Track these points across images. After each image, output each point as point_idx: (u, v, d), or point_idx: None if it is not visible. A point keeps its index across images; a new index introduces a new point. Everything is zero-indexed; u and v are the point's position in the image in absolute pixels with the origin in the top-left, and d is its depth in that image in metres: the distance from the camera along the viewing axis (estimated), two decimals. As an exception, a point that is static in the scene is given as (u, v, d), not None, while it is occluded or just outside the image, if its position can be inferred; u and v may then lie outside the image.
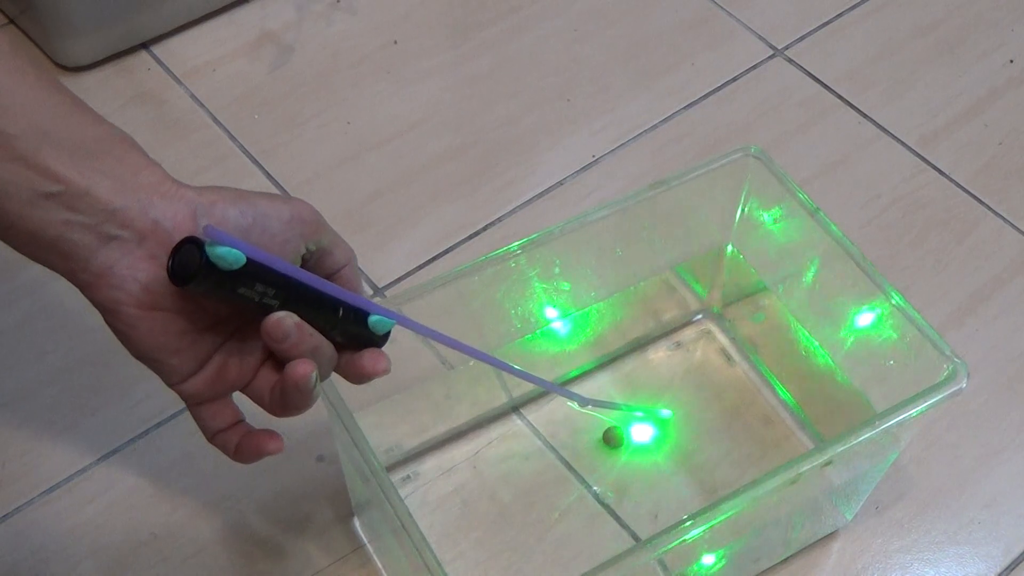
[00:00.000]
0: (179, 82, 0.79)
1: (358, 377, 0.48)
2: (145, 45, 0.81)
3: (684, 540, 0.47)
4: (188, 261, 0.40)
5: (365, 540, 0.59)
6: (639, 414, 0.63)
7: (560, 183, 0.75)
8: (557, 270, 0.59)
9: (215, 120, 0.77)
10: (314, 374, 0.44)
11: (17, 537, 0.59)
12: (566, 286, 0.61)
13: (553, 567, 0.58)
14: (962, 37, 0.84)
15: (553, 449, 0.62)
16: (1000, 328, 0.69)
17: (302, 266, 0.45)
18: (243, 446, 0.46)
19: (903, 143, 0.78)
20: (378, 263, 0.70)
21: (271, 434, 0.47)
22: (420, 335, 0.49)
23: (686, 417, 0.63)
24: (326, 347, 0.45)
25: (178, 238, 0.41)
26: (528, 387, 0.63)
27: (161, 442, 0.62)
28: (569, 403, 0.62)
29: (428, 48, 0.82)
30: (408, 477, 0.61)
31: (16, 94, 0.40)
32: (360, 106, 0.78)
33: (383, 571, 0.58)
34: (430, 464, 0.61)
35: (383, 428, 0.60)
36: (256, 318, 0.43)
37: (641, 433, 0.62)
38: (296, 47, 0.82)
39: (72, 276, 0.42)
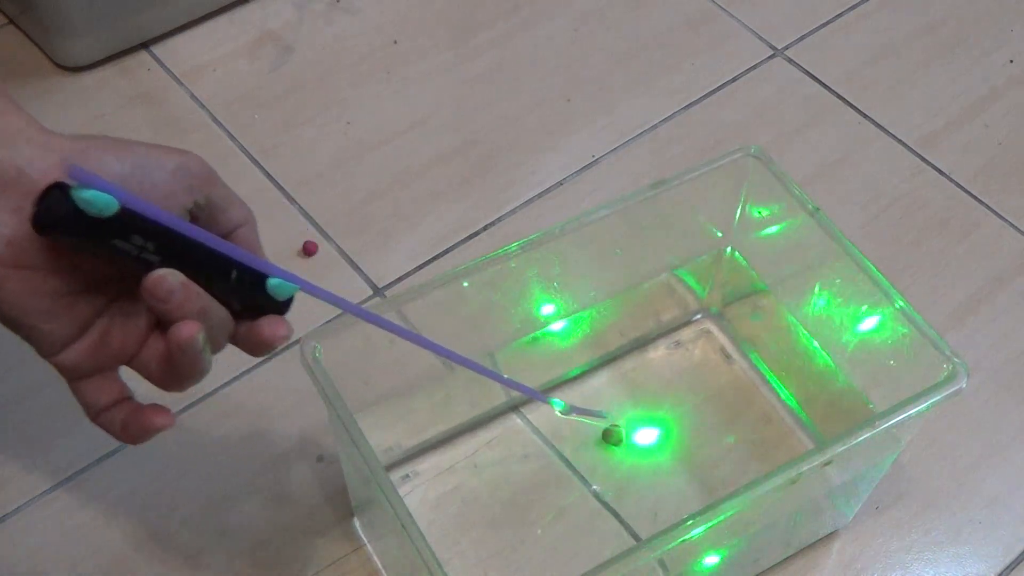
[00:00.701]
0: (179, 82, 0.79)
1: (257, 346, 0.44)
2: (145, 45, 0.81)
3: (684, 540, 0.47)
4: (53, 207, 0.37)
5: (365, 540, 0.59)
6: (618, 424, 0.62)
7: (560, 183, 0.75)
8: (557, 270, 0.59)
9: (215, 120, 0.77)
10: (201, 335, 0.40)
11: (17, 537, 0.59)
12: (566, 286, 0.61)
13: (553, 566, 0.58)
14: (962, 37, 0.84)
15: (553, 448, 0.62)
16: (1000, 328, 0.69)
17: (191, 223, 0.41)
18: (130, 423, 0.43)
19: (903, 143, 0.78)
20: (378, 263, 0.70)
21: (159, 409, 0.43)
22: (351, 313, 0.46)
23: (686, 417, 0.63)
24: (218, 311, 0.41)
25: None
26: (528, 385, 0.63)
27: (162, 442, 0.62)
28: (558, 412, 0.62)
29: (428, 48, 0.82)
30: (407, 476, 0.61)
31: None
32: (360, 106, 0.78)
33: (383, 571, 0.58)
34: (430, 463, 0.61)
35: (383, 428, 0.60)
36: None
37: (644, 436, 0.62)
38: (296, 47, 0.82)
39: None
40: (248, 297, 0.43)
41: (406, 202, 0.73)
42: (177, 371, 0.41)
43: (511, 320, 0.61)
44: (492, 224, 0.72)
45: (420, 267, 0.70)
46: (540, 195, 0.74)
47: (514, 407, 0.63)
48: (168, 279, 0.39)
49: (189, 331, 0.40)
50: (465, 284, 0.55)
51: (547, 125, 0.78)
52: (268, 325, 0.43)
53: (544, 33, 0.83)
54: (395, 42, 0.82)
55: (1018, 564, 0.60)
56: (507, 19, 0.84)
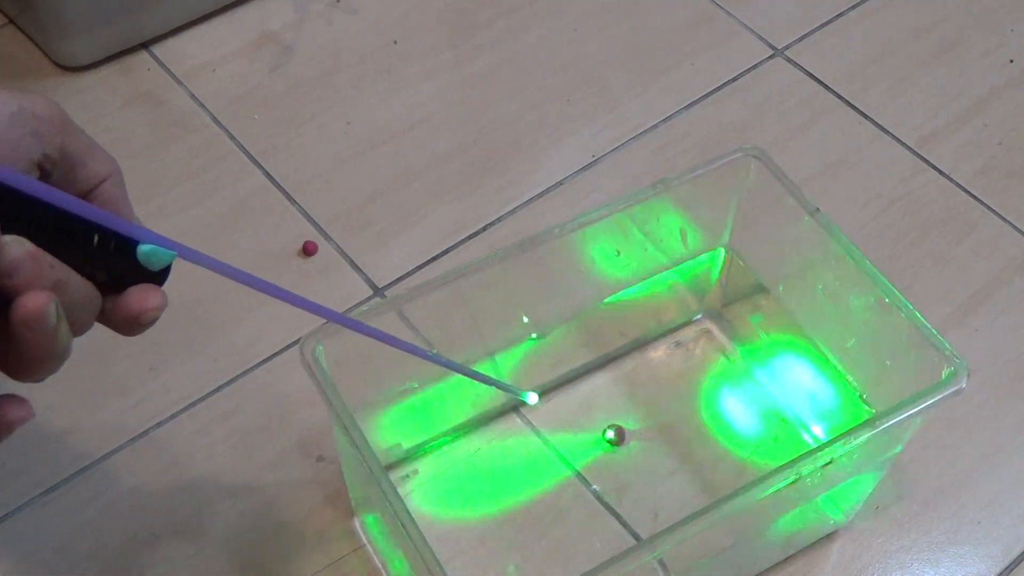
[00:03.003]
0: (179, 82, 0.79)
1: (127, 322, 0.38)
2: (145, 45, 0.81)
3: (684, 540, 0.47)
4: None
5: (365, 540, 0.59)
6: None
7: (560, 183, 0.75)
8: (557, 270, 0.59)
9: (215, 120, 0.77)
10: (52, 309, 0.34)
11: (17, 537, 0.59)
12: (566, 286, 0.61)
13: (553, 567, 0.58)
14: (962, 37, 0.84)
15: (553, 448, 0.62)
16: (1000, 328, 0.69)
17: (41, 179, 0.36)
18: None
19: (903, 143, 0.78)
20: (378, 263, 0.70)
21: (12, 401, 0.37)
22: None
23: (686, 417, 0.63)
24: (77, 285, 0.35)
25: None
26: (528, 386, 0.63)
27: (161, 442, 0.62)
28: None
29: (428, 48, 0.82)
30: (408, 476, 0.61)
31: None
32: (360, 106, 0.78)
33: (383, 571, 0.58)
34: (430, 464, 0.61)
35: (383, 428, 0.60)
36: None
37: (644, 436, 0.62)
38: (296, 47, 0.82)
39: None
40: (114, 267, 0.37)
41: (406, 202, 0.73)
42: (25, 355, 0.35)
43: (511, 320, 0.61)
44: (492, 224, 0.72)
45: (420, 267, 0.70)
46: (540, 195, 0.74)
47: (515, 407, 0.63)
48: (11, 249, 0.33)
49: (35, 303, 0.33)
50: (465, 284, 0.55)
51: (547, 125, 0.78)
52: (136, 296, 0.37)
53: (544, 33, 0.83)
54: (395, 42, 0.82)
55: (1018, 564, 0.60)
56: (507, 19, 0.84)
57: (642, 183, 0.59)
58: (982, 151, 0.78)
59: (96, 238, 0.35)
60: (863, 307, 0.58)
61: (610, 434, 0.62)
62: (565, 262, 0.59)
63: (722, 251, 0.65)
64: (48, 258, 0.34)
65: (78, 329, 0.36)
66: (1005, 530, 0.61)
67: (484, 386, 0.62)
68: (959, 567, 0.60)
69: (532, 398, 0.61)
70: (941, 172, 0.76)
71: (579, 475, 0.61)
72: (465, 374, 0.53)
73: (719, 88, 0.81)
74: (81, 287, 0.36)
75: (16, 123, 0.35)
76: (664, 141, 0.77)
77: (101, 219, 0.35)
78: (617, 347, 0.65)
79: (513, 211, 0.73)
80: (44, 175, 0.36)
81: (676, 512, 0.60)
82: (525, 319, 0.61)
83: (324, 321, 0.52)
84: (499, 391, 0.63)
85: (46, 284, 0.34)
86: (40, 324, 0.34)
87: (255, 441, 0.62)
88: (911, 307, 0.55)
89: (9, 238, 0.33)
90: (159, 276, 0.38)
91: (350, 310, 0.67)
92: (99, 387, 0.64)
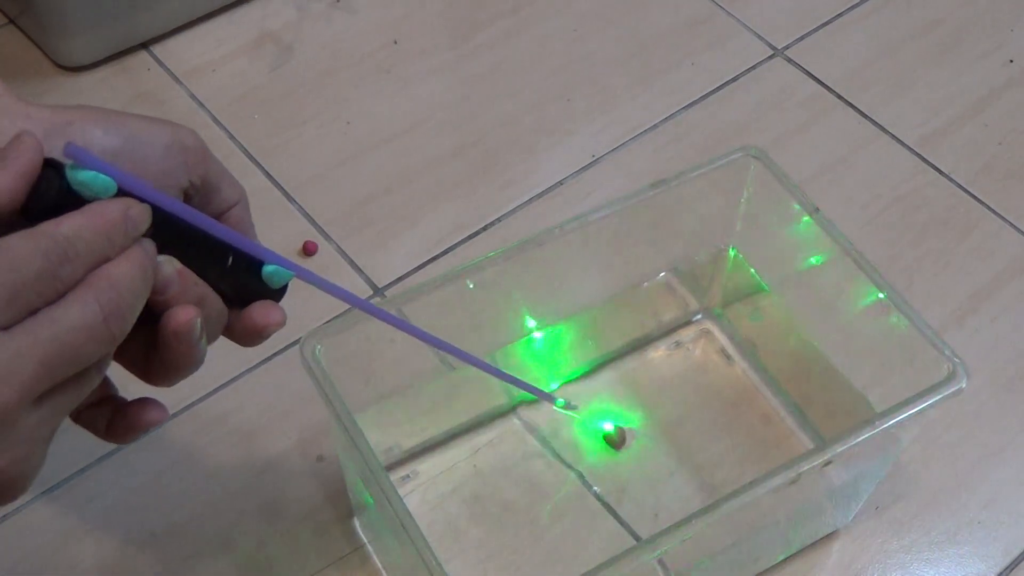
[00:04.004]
0: (179, 82, 0.79)
1: (249, 334, 0.41)
2: (145, 45, 0.81)
3: (684, 539, 0.47)
4: (44, 189, 0.33)
5: (365, 540, 0.59)
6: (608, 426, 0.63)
7: (560, 183, 0.75)
8: (557, 270, 0.59)
9: (215, 120, 0.77)
10: (198, 321, 0.37)
11: (17, 537, 0.59)
12: (566, 286, 0.61)
13: (553, 567, 0.58)
14: (962, 37, 0.84)
15: (553, 449, 0.62)
16: (1000, 328, 0.69)
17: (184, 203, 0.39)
18: (117, 423, 0.39)
19: (903, 143, 0.78)
20: (378, 263, 0.70)
21: (148, 404, 0.40)
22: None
23: (686, 417, 0.63)
24: (214, 300, 0.39)
25: None
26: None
27: (162, 442, 0.62)
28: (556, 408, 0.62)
29: (428, 48, 0.82)
30: (408, 476, 0.61)
31: None
32: (360, 106, 0.78)
33: (383, 571, 0.58)
34: (430, 464, 0.61)
35: (383, 428, 0.60)
36: None
37: (644, 436, 0.62)
38: (296, 47, 0.82)
39: None
40: (242, 284, 0.40)
41: (406, 202, 0.73)
42: (169, 362, 0.38)
43: (511, 320, 0.61)
44: (492, 224, 0.72)
45: (420, 267, 0.70)
46: (540, 195, 0.74)
47: (514, 408, 0.63)
48: (164, 268, 0.36)
49: (187, 316, 0.37)
50: (465, 284, 0.55)
51: (547, 125, 0.78)
52: (260, 311, 0.41)
53: (544, 33, 0.83)
54: (395, 42, 0.82)
55: (1018, 564, 0.60)
56: (507, 19, 0.84)
57: (642, 183, 0.59)
58: (982, 151, 0.78)
59: (230, 258, 0.39)
60: (863, 307, 0.58)
61: (610, 434, 0.62)
62: (565, 262, 0.59)
63: (722, 251, 0.65)
64: (192, 276, 0.38)
65: (210, 339, 0.40)
66: (1005, 530, 0.61)
67: (483, 387, 0.63)
68: (959, 567, 0.60)
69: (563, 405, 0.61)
70: (941, 172, 0.76)
71: (579, 476, 0.61)
72: (506, 379, 0.54)
73: (719, 88, 0.81)
74: (216, 302, 0.39)
75: (169, 154, 0.38)
76: (664, 141, 0.77)
77: (238, 241, 0.38)
78: (617, 347, 0.65)
79: (513, 211, 0.73)
80: (186, 200, 0.40)
81: (676, 512, 0.60)
82: (526, 319, 0.61)
83: (324, 321, 0.52)
84: (498, 392, 0.63)
85: (191, 299, 0.38)
86: (188, 335, 0.37)
87: (255, 441, 0.62)
88: (911, 307, 0.55)
89: (163, 258, 0.36)
90: (278, 293, 0.42)
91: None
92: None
